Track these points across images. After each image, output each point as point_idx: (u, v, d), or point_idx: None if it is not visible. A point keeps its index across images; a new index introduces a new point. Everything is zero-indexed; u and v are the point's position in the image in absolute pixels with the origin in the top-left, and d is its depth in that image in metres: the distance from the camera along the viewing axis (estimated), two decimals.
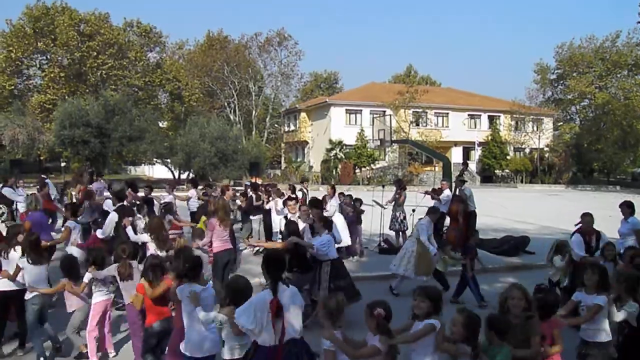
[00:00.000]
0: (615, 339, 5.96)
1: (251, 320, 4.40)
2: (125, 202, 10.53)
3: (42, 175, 15.75)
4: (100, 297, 6.76)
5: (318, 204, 9.83)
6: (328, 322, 4.53)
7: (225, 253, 8.95)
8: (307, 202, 11.10)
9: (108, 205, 11.34)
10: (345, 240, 11.67)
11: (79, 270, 6.99)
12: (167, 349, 5.89)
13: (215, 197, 13.33)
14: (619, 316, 5.76)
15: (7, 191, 13.35)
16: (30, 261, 6.79)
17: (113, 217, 9.47)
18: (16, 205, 13.34)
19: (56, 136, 34.72)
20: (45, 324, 6.97)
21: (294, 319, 4.59)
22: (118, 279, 6.64)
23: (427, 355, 4.60)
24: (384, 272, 11.47)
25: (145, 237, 8.62)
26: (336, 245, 8.74)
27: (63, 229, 9.38)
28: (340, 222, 11.54)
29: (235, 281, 5.30)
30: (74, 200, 13.73)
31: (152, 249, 8.14)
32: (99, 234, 9.41)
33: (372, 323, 4.42)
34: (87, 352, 6.66)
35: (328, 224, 8.54)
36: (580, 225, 9.03)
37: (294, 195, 13.21)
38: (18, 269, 6.86)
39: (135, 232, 9.08)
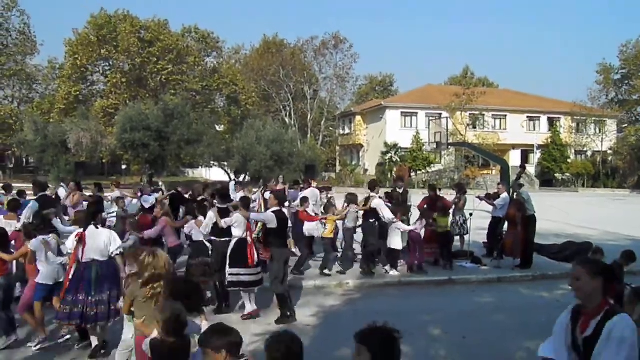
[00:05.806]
0: None
1: (71, 244, 6.84)
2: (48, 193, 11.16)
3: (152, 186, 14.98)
4: None
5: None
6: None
7: (178, 247, 10.47)
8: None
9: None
10: None
11: None
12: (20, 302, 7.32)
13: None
14: None
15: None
16: None
17: (34, 205, 9.92)
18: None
19: (118, 139, 35.80)
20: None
21: (97, 245, 6.79)
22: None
23: None
24: (440, 277, 11.33)
25: (70, 229, 8.85)
26: None
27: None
28: None
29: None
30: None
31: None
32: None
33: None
34: None
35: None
36: None
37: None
38: None
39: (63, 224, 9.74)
